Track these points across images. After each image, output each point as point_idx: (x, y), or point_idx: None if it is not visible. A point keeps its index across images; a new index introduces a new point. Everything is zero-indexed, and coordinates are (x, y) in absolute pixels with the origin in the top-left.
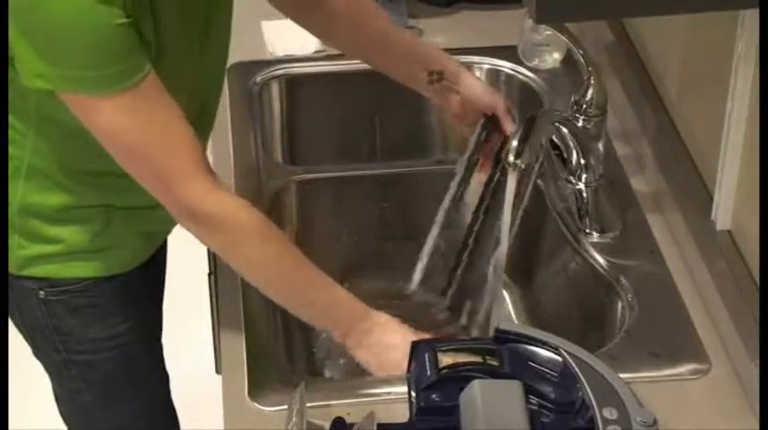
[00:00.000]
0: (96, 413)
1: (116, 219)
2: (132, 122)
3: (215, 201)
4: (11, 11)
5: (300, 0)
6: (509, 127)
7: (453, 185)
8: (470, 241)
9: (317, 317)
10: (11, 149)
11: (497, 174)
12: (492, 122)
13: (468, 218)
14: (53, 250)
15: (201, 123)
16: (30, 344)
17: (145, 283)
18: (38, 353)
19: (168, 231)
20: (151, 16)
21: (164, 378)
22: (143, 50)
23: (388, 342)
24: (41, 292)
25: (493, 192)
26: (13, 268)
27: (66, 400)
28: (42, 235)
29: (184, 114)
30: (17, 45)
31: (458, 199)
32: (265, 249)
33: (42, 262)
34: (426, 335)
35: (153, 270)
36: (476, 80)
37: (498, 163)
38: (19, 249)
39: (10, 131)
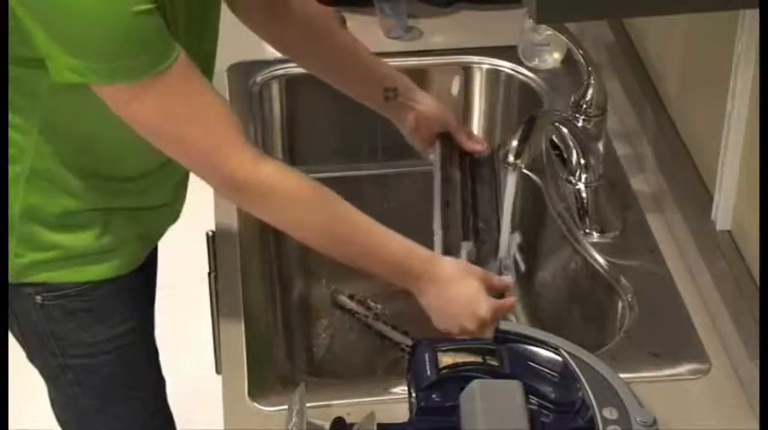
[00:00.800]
0: (93, 416)
1: (115, 222)
2: (170, 107)
3: (263, 170)
4: (30, 9)
5: (264, 10)
6: (464, 139)
7: (436, 203)
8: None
9: (384, 269)
10: (13, 152)
11: (469, 182)
12: (447, 139)
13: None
14: (51, 256)
15: None
16: (25, 349)
17: (140, 285)
18: (33, 358)
19: (163, 232)
20: (172, 12)
21: (160, 380)
22: (170, 35)
23: (449, 295)
24: (38, 298)
25: (472, 195)
26: (10, 277)
27: (62, 405)
28: (41, 241)
29: None
30: (40, 41)
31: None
32: (322, 212)
33: (40, 269)
34: (494, 282)
35: (147, 271)
36: (428, 97)
37: (465, 173)
38: (16, 258)
39: (12, 133)
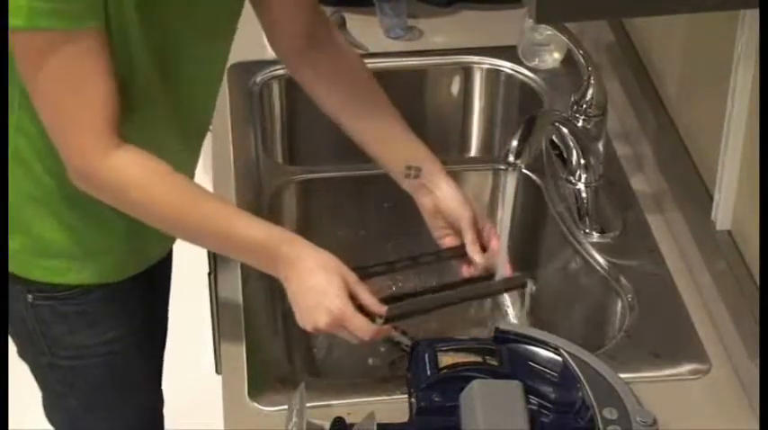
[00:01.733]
0: (81, 417)
1: (102, 219)
2: (63, 72)
3: (112, 162)
4: None
5: (299, 42)
6: (469, 244)
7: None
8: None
9: (246, 256)
10: None
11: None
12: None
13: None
14: (33, 244)
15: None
16: (16, 344)
17: (137, 295)
18: (24, 354)
19: (159, 249)
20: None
21: (154, 386)
22: (100, 8)
23: (307, 284)
24: (29, 296)
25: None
26: None
27: (51, 403)
28: (25, 224)
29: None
30: None
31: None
32: (171, 204)
33: (24, 258)
34: (352, 280)
35: (151, 283)
36: (451, 186)
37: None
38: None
39: None
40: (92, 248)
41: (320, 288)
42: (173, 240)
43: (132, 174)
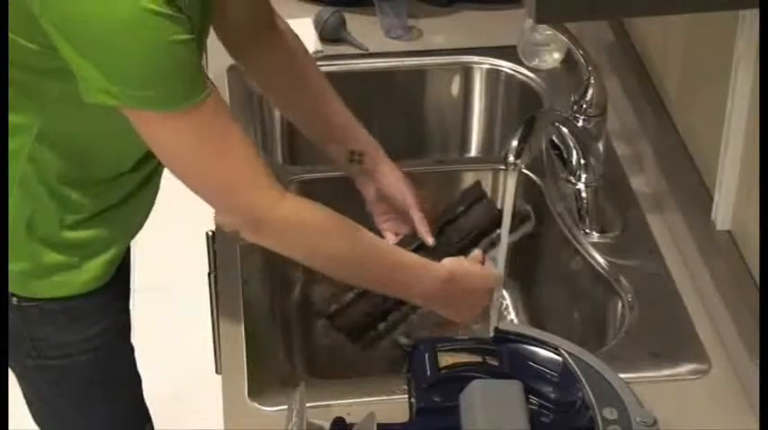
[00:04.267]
0: (69, 417)
1: (93, 230)
2: (197, 142)
3: (281, 209)
4: (66, 34)
5: (246, 32)
6: (417, 222)
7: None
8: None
9: (401, 293)
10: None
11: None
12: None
13: None
14: (32, 267)
15: None
16: None
17: (112, 290)
18: (9, 360)
19: (137, 225)
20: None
21: (136, 379)
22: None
23: (462, 303)
24: (14, 299)
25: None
26: None
27: (39, 406)
28: (23, 248)
29: None
30: (75, 64)
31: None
32: (339, 239)
33: (23, 279)
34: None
35: (118, 277)
36: (392, 168)
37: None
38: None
39: (9, 134)
40: (89, 254)
41: (465, 297)
42: (148, 211)
43: (302, 220)
